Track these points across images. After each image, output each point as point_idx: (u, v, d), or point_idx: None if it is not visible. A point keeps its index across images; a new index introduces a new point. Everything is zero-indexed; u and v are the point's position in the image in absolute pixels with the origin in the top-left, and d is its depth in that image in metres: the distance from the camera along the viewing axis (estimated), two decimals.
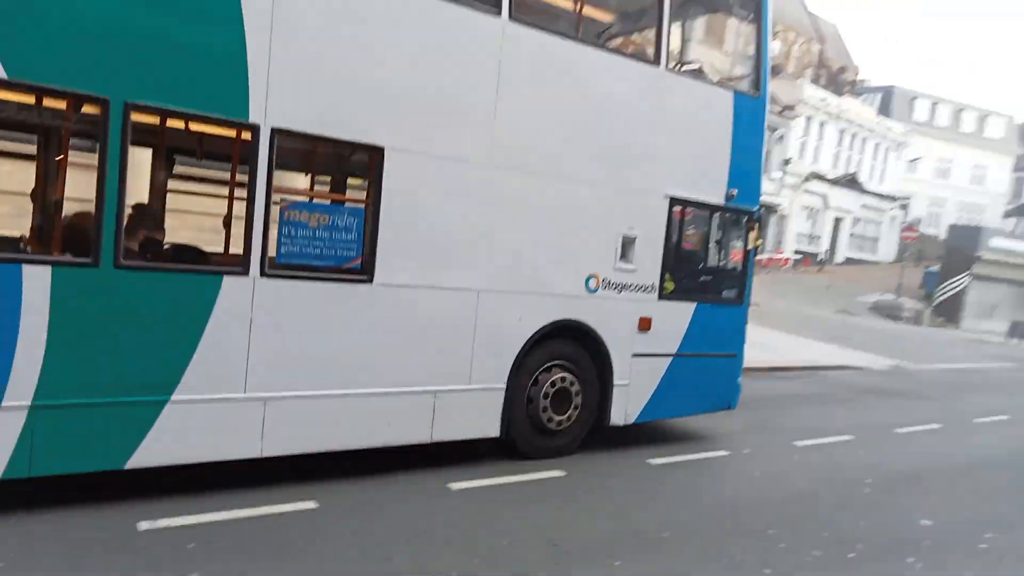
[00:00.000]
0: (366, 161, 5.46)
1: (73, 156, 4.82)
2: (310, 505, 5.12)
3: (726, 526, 5.58)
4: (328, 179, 6.57)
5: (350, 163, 6.10)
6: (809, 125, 38.89)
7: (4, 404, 4.24)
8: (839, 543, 5.43)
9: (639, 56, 7.00)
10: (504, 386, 6.28)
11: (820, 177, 39.57)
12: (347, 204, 5.99)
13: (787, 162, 37.19)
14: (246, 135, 4.88)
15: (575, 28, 6.73)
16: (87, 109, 4.50)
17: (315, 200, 5.91)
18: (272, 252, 5.02)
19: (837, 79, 64.79)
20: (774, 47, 17.42)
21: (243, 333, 4.94)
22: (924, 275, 37.34)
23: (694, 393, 7.59)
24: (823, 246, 41.26)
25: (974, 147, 50.78)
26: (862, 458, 8.16)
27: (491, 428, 6.29)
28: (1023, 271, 35.05)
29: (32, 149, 5.70)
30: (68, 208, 4.86)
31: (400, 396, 5.70)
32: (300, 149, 5.68)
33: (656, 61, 6.79)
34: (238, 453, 5.09)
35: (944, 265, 35.01)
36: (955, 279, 33.77)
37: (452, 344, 5.95)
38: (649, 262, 6.99)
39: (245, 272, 4.89)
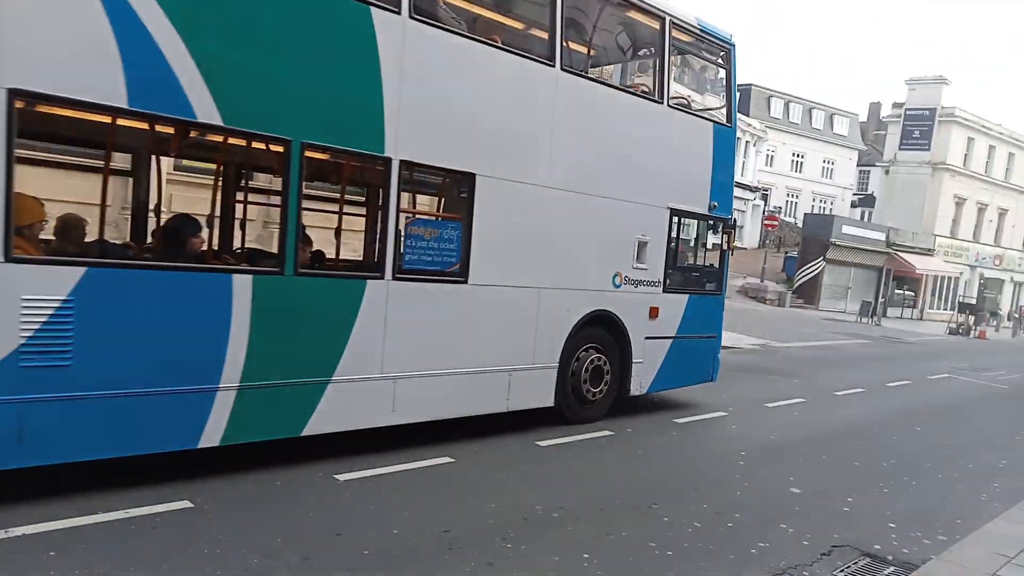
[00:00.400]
0: (462, 185, 6.78)
1: (261, 186, 6.77)
2: (185, 504, 4.83)
3: (614, 503, 5.71)
4: (435, 200, 7.62)
5: (450, 187, 7.23)
6: None
7: (221, 386, 5.32)
8: (718, 514, 5.67)
9: (648, 96, 8.44)
10: (556, 365, 7.69)
11: None
12: (450, 220, 6.98)
13: None
14: (381, 166, 6.12)
15: (604, 75, 8.73)
16: (274, 147, 5.62)
17: (428, 217, 7.22)
18: (399, 260, 6.26)
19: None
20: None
21: (380, 325, 6.15)
22: (785, 260, 39.82)
23: (687, 368, 9.26)
24: None
25: (824, 143, 54.60)
26: (736, 432, 8.59)
27: (547, 399, 7.69)
28: (869, 256, 38.03)
29: (231, 181, 6.88)
30: (259, 228, 6.58)
31: (487, 374, 7.05)
32: (417, 177, 6.69)
33: (660, 99, 8.38)
34: (378, 422, 6.27)
35: (801, 251, 37.43)
36: (811, 264, 36.16)
37: (521, 331, 7.35)
38: (656, 262, 8.60)
39: (381, 276, 6.13)
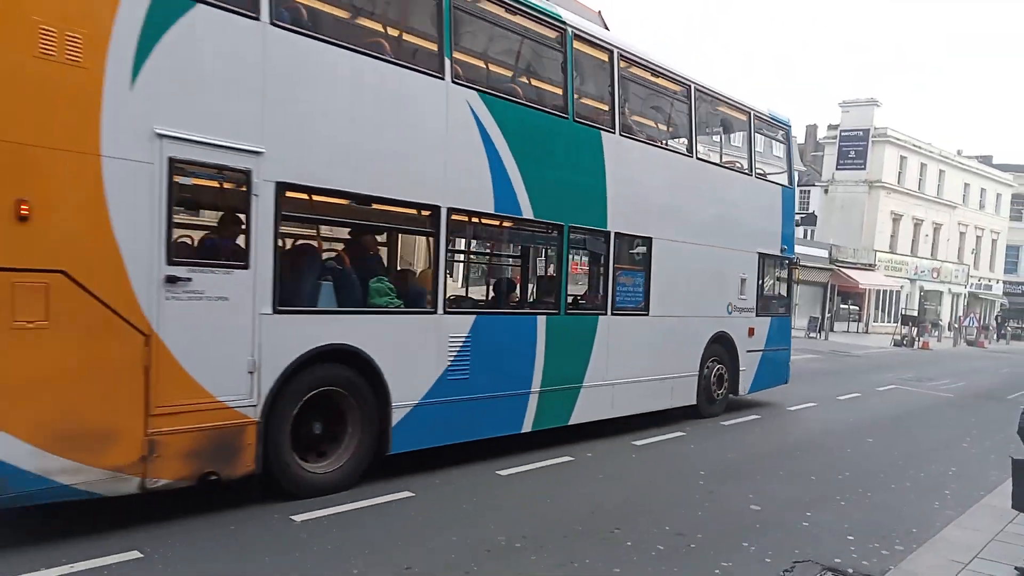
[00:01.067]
0: (645, 245, 9.54)
1: (548, 255, 9.42)
2: (134, 555, 4.63)
3: (576, 529, 5.66)
4: (630, 257, 9.71)
5: (638, 247, 9.64)
6: None
7: (531, 390, 7.90)
8: (680, 535, 5.66)
9: (744, 171, 11.65)
10: (697, 373, 10.46)
11: None
12: (638, 271, 9.50)
13: None
14: (603, 237, 8.91)
15: (720, 158, 11.78)
16: (554, 231, 8.30)
17: (627, 269, 9.44)
18: (614, 300, 9.03)
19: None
20: None
21: (605, 346, 8.83)
22: None
23: (772, 373, 12.27)
24: None
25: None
26: (695, 451, 8.64)
27: (692, 399, 10.42)
28: (814, 272, 38.92)
29: (532, 254, 10.02)
30: (545, 283, 9.12)
31: (661, 381, 9.78)
32: (620, 242, 9.23)
33: (750, 172, 11.64)
34: (604, 415, 8.90)
35: None
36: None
37: (678, 349, 10.12)
38: (751, 293, 11.58)
39: (605, 313, 8.93)
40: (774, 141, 13.97)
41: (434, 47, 7.05)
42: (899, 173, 46.47)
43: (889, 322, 42.66)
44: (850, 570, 5.20)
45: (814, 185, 54.10)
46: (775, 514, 6.36)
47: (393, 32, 7.59)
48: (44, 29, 4.48)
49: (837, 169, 46.54)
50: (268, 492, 5.84)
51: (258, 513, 5.53)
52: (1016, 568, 5.07)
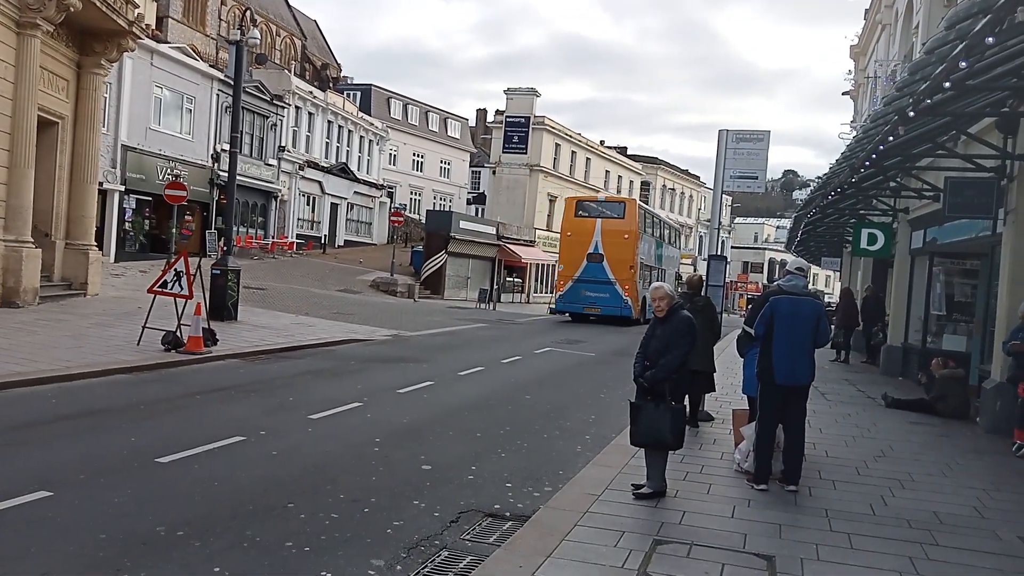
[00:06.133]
0: None
1: None
2: None
3: (246, 509, 5.45)
4: None
5: None
6: (299, 115, 40.05)
7: None
8: (354, 501, 5.76)
9: None
10: None
11: (315, 165, 41.13)
12: None
13: (282, 149, 37.71)
14: None
15: None
16: None
17: None
18: None
19: (321, 75, 67.78)
20: (255, 34, 18.12)
21: None
22: (412, 254, 41.80)
23: None
24: (324, 230, 43.11)
25: (441, 144, 58.59)
26: (371, 420, 8.80)
27: None
28: (484, 248, 41.78)
29: None
30: None
31: None
32: None
33: None
34: None
35: (426, 245, 39.64)
36: (435, 257, 38.48)
37: None
38: None
39: None
40: None
41: None
42: (554, 159, 51.70)
43: (547, 292, 47.39)
44: (507, 513, 5.75)
45: (483, 166, 57.80)
46: (444, 471, 6.76)
47: None
48: None
49: (503, 152, 50.36)
50: None
51: None
52: (633, 485, 6.07)
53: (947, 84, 6.84)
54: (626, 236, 28.67)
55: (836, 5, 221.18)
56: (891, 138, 9.07)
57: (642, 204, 35.52)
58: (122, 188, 27.60)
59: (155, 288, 12.51)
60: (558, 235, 52.09)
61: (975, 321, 12.71)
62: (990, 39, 5.76)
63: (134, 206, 28.99)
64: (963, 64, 6.23)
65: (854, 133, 17.34)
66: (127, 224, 28.87)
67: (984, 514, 6.24)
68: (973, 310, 13.11)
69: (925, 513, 6.10)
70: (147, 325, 12.15)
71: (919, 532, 5.63)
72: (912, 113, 7.73)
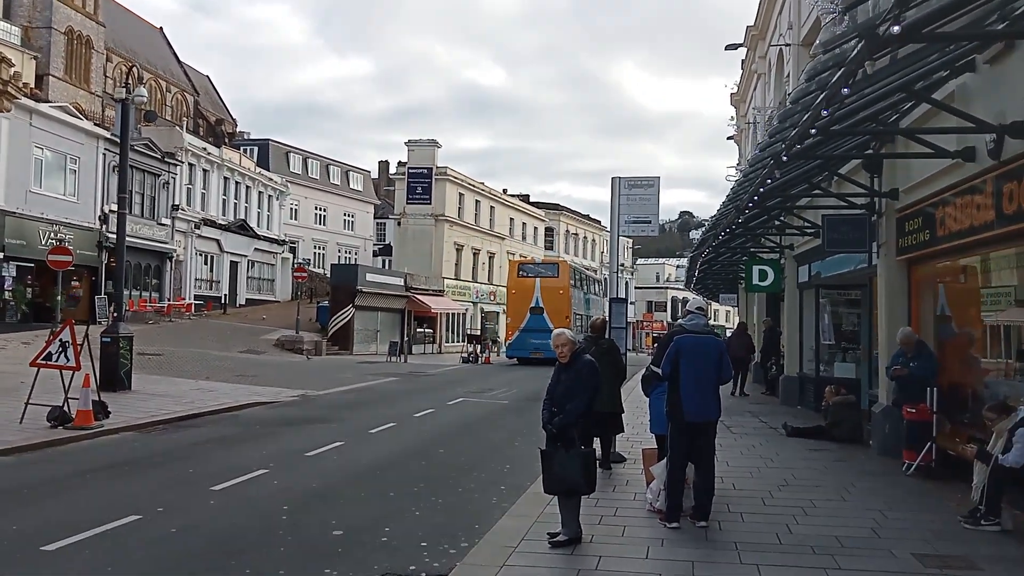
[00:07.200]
0: None
1: None
2: None
3: None
4: None
5: None
6: (193, 172, 38.98)
7: None
8: (260, 574, 5.51)
9: None
10: None
11: (212, 223, 39.96)
12: None
13: (176, 207, 36.50)
14: None
15: None
16: None
17: None
18: None
19: (216, 130, 66.43)
20: (142, 91, 17.65)
21: None
22: (317, 309, 40.88)
23: None
24: (224, 289, 41.72)
25: (343, 197, 58.17)
26: (278, 487, 8.47)
27: None
28: (392, 300, 41.36)
29: None
30: None
31: None
32: None
33: None
34: None
35: (332, 299, 38.89)
36: (343, 311, 37.77)
37: None
38: None
39: None
40: None
41: None
42: (459, 208, 52.10)
43: (457, 341, 47.23)
44: (423, 574, 5.63)
45: (388, 218, 57.61)
46: (357, 535, 6.57)
47: None
48: None
49: (408, 203, 50.35)
50: None
51: None
52: (548, 534, 6.06)
53: (813, 131, 7.35)
54: (561, 291, 34.57)
55: (715, 58, 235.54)
56: (769, 180, 9.65)
57: (572, 263, 42.83)
58: (0, 255, 26.01)
59: (38, 361, 11.76)
60: (466, 283, 52.67)
61: (861, 348, 13.50)
62: (845, 90, 6.25)
63: (14, 274, 27.33)
64: (825, 112, 6.72)
65: (738, 176, 18.33)
66: (7, 293, 27.15)
67: (880, 534, 6.55)
68: (859, 338, 13.93)
69: (827, 538, 6.35)
70: (30, 401, 11.37)
71: (822, 558, 5.85)
72: (785, 157, 8.25)
